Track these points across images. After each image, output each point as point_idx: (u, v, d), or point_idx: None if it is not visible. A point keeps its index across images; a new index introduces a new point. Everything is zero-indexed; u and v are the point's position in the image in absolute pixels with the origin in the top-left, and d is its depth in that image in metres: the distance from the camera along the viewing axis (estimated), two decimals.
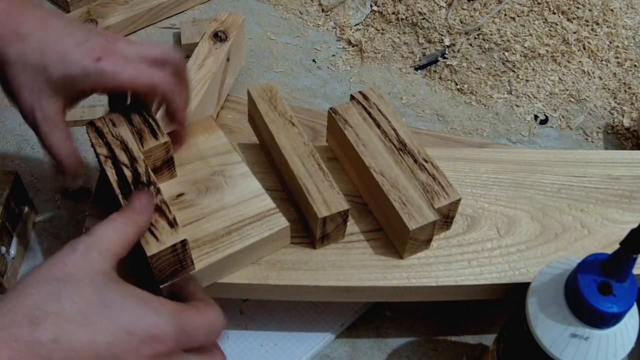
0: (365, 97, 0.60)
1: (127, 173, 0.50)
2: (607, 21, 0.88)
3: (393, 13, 0.89)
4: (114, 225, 0.43)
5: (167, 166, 0.54)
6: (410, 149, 0.56)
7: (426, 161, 0.55)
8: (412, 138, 0.57)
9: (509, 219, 0.58)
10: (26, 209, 0.67)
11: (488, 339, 0.62)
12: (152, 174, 0.51)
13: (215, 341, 0.43)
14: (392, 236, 0.55)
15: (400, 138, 0.57)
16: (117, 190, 0.49)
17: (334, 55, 0.88)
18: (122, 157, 0.51)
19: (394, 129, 0.57)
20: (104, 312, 0.37)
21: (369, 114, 0.58)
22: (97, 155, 0.52)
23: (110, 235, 0.43)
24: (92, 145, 0.53)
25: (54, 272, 0.38)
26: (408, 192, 0.53)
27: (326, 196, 0.52)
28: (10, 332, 0.34)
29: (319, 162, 0.55)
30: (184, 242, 0.47)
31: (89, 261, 0.40)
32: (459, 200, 0.53)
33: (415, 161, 0.55)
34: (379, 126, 0.58)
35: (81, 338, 0.35)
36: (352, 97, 0.60)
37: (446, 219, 0.55)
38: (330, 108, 0.59)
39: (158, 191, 0.50)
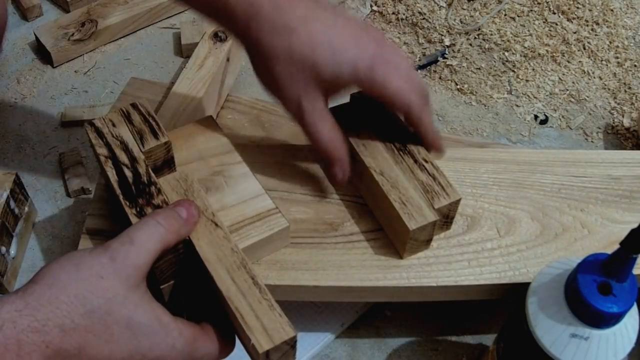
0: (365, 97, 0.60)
1: (128, 173, 0.50)
2: (607, 21, 0.88)
3: (393, 13, 0.89)
4: (158, 232, 0.43)
5: (167, 166, 0.54)
6: (410, 149, 0.56)
7: (426, 161, 0.55)
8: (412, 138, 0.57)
9: (509, 219, 0.58)
10: (26, 209, 0.67)
11: (488, 339, 0.62)
12: (152, 174, 0.51)
13: None
14: (392, 236, 0.55)
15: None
16: (118, 191, 0.49)
17: None
18: (123, 157, 0.51)
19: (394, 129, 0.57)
20: (127, 334, 0.40)
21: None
22: (97, 155, 0.52)
23: (150, 246, 0.42)
24: (92, 146, 0.53)
25: (90, 284, 0.39)
26: (408, 192, 0.53)
27: (266, 322, 0.43)
28: (44, 338, 0.37)
29: (252, 275, 0.46)
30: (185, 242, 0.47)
31: (125, 277, 0.40)
32: (459, 200, 0.53)
33: (415, 161, 0.55)
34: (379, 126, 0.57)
35: (102, 352, 0.39)
36: (352, 97, 0.60)
37: (446, 219, 0.55)
38: (330, 108, 0.59)
39: (159, 191, 0.50)
